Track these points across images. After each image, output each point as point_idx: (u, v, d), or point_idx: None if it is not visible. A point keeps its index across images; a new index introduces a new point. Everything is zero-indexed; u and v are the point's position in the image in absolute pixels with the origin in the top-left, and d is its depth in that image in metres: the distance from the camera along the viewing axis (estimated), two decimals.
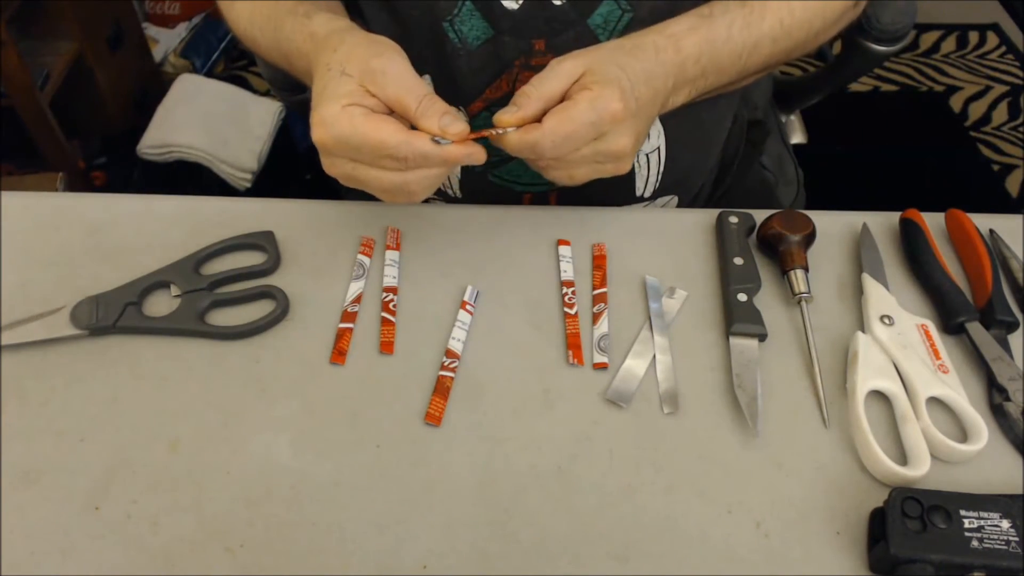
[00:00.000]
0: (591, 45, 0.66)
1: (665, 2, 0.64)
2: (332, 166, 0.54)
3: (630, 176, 0.72)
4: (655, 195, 0.75)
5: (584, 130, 0.53)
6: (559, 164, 0.56)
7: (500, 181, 0.72)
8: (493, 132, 0.54)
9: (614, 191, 0.73)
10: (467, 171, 0.72)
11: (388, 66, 0.52)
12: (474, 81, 0.67)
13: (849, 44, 0.97)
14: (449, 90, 0.69)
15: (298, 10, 0.61)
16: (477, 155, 0.53)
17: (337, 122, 0.50)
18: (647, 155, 0.71)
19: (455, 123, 0.52)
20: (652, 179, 0.73)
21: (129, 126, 1.79)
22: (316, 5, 0.62)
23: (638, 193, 0.74)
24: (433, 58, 0.67)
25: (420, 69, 0.69)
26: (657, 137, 0.70)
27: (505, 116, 0.54)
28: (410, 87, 0.52)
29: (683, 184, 0.77)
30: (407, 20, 0.66)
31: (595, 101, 0.52)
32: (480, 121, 0.69)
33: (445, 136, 0.51)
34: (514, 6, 0.63)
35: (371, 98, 0.52)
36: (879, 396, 0.55)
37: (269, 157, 1.77)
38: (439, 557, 0.48)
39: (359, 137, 0.50)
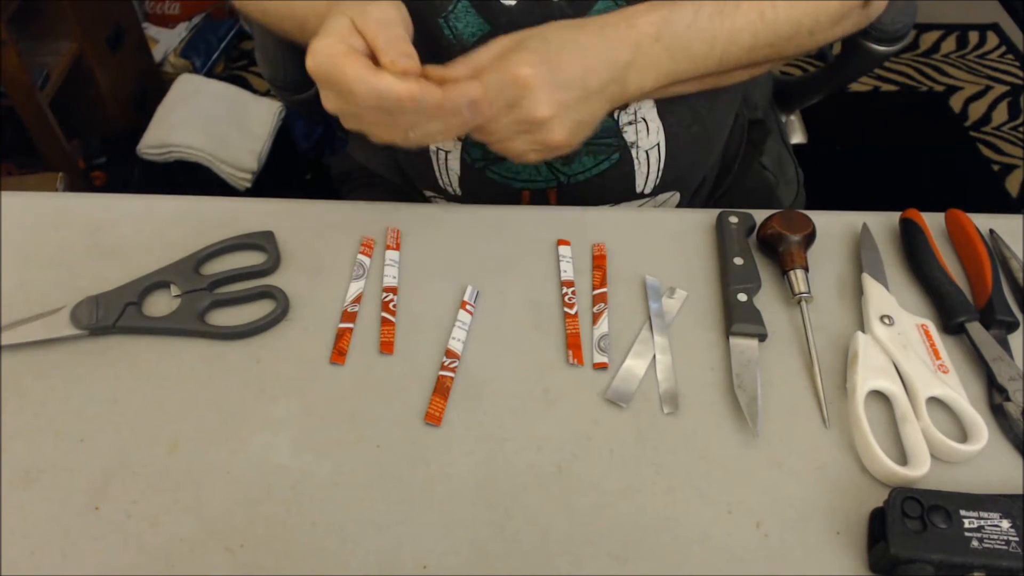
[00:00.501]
0: None
1: None
2: (326, 100, 0.56)
3: (630, 172, 0.72)
4: (655, 191, 0.75)
5: (491, 95, 0.54)
6: (489, 135, 0.58)
7: (499, 178, 0.72)
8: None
9: (614, 187, 0.73)
10: (466, 167, 0.73)
11: (376, 11, 0.55)
12: None
13: (849, 44, 0.97)
14: None
15: None
16: (409, 88, 0.53)
17: (320, 52, 0.53)
18: (647, 151, 0.71)
19: (406, 60, 0.53)
20: (652, 175, 0.73)
21: (129, 126, 1.79)
22: None
23: (638, 189, 0.74)
24: (428, 54, 0.67)
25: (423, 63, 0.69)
26: (656, 134, 0.71)
27: (430, 70, 0.56)
28: (386, 27, 0.54)
29: (684, 180, 0.77)
30: None
31: (501, 68, 0.54)
32: None
33: (392, 68, 0.53)
34: (511, 2, 0.63)
35: (359, 38, 0.54)
36: (879, 396, 0.55)
37: (269, 157, 1.77)
38: (439, 557, 0.48)
39: (329, 65, 0.53)
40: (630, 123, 0.69)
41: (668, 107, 0.70)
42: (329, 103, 0.56)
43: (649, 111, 0.69)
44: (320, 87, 0.55)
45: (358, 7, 0.55)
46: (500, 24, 0.64)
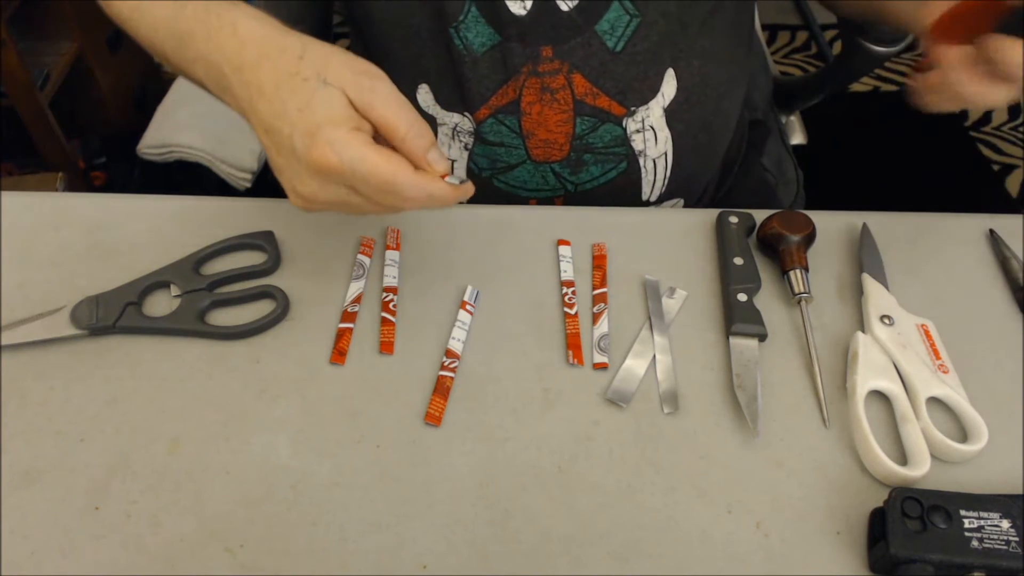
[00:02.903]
0: (599, 51, 0.65)
1: (675, 3, 0.64)
2: (322, 190, 0.47)
3: (637, 181, 0.72)
4: (661, 199, 0.75)
5: None
6: None
7: (506, 187, 0.72)
8: None
9: (620, 196, 0.73)
10: (472, 177, 0.73)
11: (377, 84, 0.47)
12: (479, 88, 0.67)
13: (849, 44, 0.97)
14: (455, 96, 0.69)
15: None
16: (468, 190, 0.50)
17: (348, 146, 0.45)
18: (654, 160, 0.71)
19: (441, 160, 0.48)
20: (659, 183, 0.73)
21: (129, 126, 1.79)
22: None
23: (644, 198, 0.74)
24: (438, 64, 0.67)
25: (424, 76, 0.69)
26: (664, 142, 0.70)
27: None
28: (399, 109, 0.47)
29: (688, 187, 0.77)
30: (414, 25, 0.66)
31: None
32: (487, 127, 0.69)
33: (433, 169, 0.48)
34: (522, 12, 0.63)
35: (362, 119, 0.47)
36: (879, 396, 0.55)
37: None
38: (439, 557, 0.48)
39: (368, 167, 0.45)
40: (638, 132, 0.69)
41: (676, 116, 0.69)
42: (325, 193, 0.47)
43: (658, 120, 0.69)
44: (323, 180, 0.47)
45: (338, 72, 0.46)
46: (510, 34, 0.64)
